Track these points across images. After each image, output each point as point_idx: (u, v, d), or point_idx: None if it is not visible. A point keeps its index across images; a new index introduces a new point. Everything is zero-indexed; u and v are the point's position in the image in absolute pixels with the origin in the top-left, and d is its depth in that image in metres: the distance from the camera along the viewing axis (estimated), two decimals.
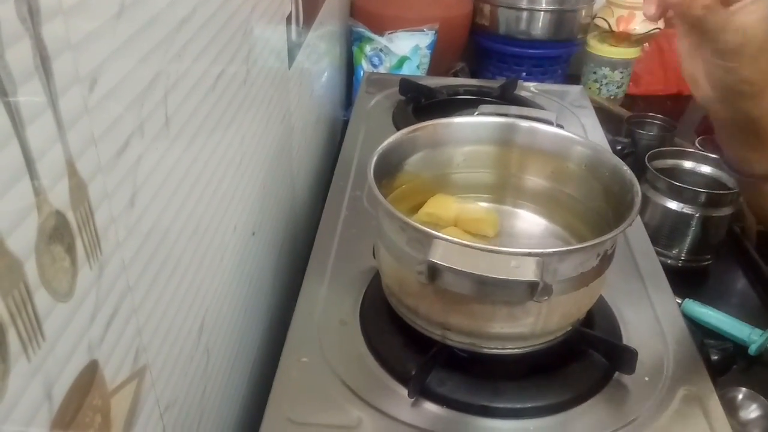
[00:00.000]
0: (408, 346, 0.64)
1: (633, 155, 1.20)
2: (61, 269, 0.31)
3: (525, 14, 1.50)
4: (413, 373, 0.59)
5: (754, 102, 0.62)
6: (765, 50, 0.60)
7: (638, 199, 0.61)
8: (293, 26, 0.89)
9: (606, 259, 0.60)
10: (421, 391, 0.60)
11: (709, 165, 1.06)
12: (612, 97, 1.59)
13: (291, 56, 0.88)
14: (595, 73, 1.59)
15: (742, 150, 0.68)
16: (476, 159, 0.76)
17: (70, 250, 0.32)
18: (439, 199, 0.74)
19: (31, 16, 0.28)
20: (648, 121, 1.32)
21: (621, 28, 1.52)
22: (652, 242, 0.84)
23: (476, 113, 0.78)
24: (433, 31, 1.43)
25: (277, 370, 0.63)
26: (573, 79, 1.62)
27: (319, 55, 1.15)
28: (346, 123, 1.13)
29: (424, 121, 0.74)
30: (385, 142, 0.68)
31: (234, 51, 0.61)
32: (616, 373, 0.63)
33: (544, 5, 1.49)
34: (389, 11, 1.45)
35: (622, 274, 0.77)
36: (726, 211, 0.99)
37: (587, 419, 0.60)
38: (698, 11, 0.59)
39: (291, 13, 0.87)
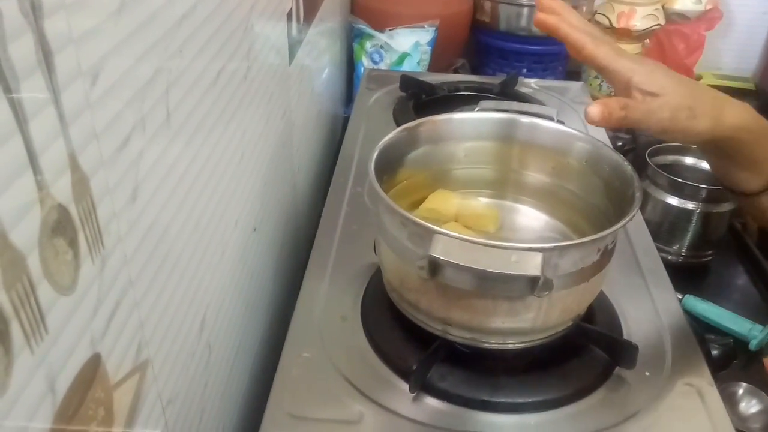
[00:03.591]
0: (409, 341, 0.64)
1: (634, 151, 1.20)
2: (64, 262, 0.31)
3: (526, 10, 1.50)
4: (414, 368, 0.60)
5: (697, 124, 0.64)
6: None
7: (639, 195, 0.61)
8: (293, 23, 0.89)
9: (606, 255, 0.60)
10: (422, 386, 0.60)
11: None
12: (612, 94, 1.59)
13: (291, 53, 0.88)
14: None
15: (734, 172, 0.71)
16: (477, 155, 0.76)
17: (73, 243, 0.32)
18: (440, 195, 0.74)
19: (34, 11, 0.28)
20: None
21: (621, 24, 1.52)
22: (652, 238, 0.84)
23: (477, 109, 0.78)
24: (434, 28, 1.43)
25: (279, 365, 0.63)
26: (574, 75, 1.62)
27: (320, 52, 1.15)
28: (346, 119, 1.12)
29: (424, 117, 0.74)
30: (386, 138, 0.68)
31: (234, 47, 0.61)
32: (617, 368, 0.63)
33: None
34: (390, 8, 1.45)
35: (622, 269, 0.77)
36: (726, 206, 0.99)
37: (588, 414, 0.60)
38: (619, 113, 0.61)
39: (291, 9, 0.87)
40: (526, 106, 0.79)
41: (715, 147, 0.68)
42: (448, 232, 0.54)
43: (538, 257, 0.52)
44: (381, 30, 1.42)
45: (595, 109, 0.60)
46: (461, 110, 0.78)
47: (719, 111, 0.64)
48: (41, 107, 0.29)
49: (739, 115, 0.65)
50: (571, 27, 0.66)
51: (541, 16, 0.67)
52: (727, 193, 0.75)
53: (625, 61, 0.65)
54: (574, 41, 0.65)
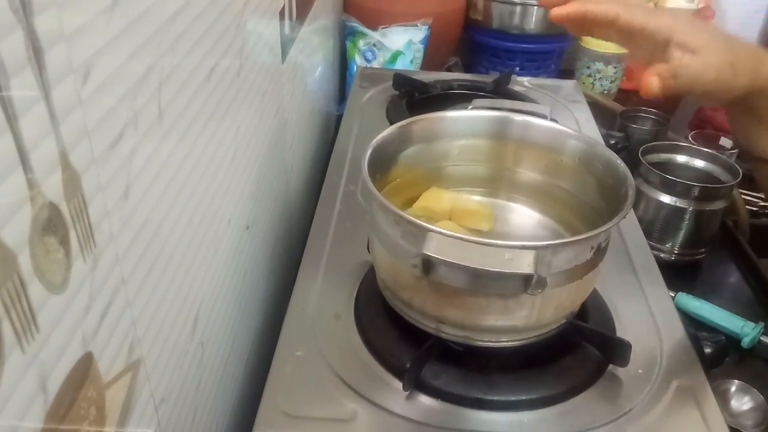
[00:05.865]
0: (402, 339, 0.64)
1: (626, 149, 1.20)
2: (55, 261, 0.31)
3: (518, 9, 1.50)
4: (408, 366, 0.59)
5: (738, 81, 0.61)
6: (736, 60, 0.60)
7: (632, 192, 0.61)
8: (286, 20, 0.88)
9: (600, 253, 0.60)
10: (415, 384, 0.60)
11: (702, 159, 1.06)
12: (605, 92, 1.60)
13: (284, 50, 0.87)
14: (588, 67, 1.59)
15: (759, 135, 0.68)
16: (470, 153, 0.76)
17: (64, 242, 0.32)
18: (434, 193, 0.74)
19: (24, 7, 0.28)
20: (641, 115, 1.33)
21: None
22: (645, 236, 0.84)
23: (470, 107, 0.78)
24: (427, 26, 1.43)
25: (272, 363, 0.63)
26: (566, 73, 1.63)
27: (313, 50, 1.15)
28: (339, 117, 1.12)
29: (418, 115, 0.74)
30: (380, 136, 0.68)
31: (227, 44, 0.61)
32: (610, 366, 0.64)
33: None
34: (382, 6, 1.45)
35: (615, 267, 0.77)
36: (719, 204, 0.99)
37: (581, 412, 0.60)
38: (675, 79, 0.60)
39: (284, 7, 0.86)
40: (519, 104, 0.79)
41: (745, 104, 0.65)
42: (442, 230, 0.54)
43: (531, 255, 0.52)
44: (374, 28, 1.42)
45: (655, 81, 0.59)
46: (454, 108, 0.78)
47: (758, 64, 0.62)
48: (31, 105, 0.29)
49: None
50: (595, 2, 0.63)
51: (556, 10, 0.63)
52: (747, 161, 0.72)
53: (663, 18, 0.62)
54: (604, 14, 0.62)
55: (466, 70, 1.58)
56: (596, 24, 0.64)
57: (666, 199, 1.00)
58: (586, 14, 0.63)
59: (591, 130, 1.08)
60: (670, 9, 0.65)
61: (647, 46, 0.63)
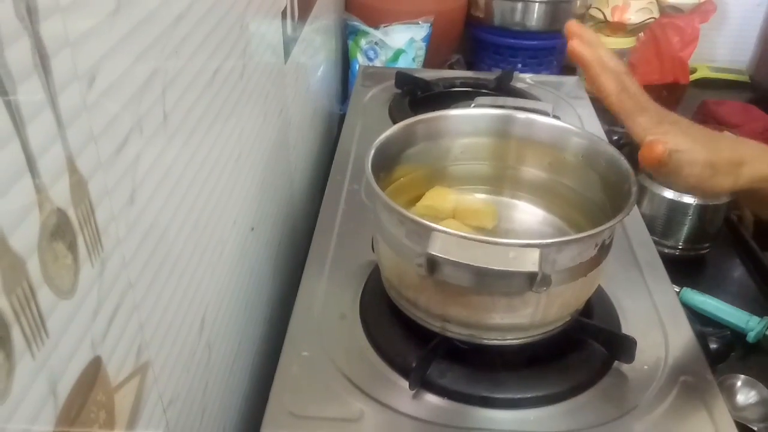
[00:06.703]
0: (408, 338, 0.64)
1: (630, 145, 1.20)
2: (64, 266, 0.31)
3: (520, 5, 1.50)
4: (414, 365, 0.60)
5: (718, 182, 0.61)
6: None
7: (635, 189, 0.61)
8: (288, 21, 0.89)
9: (604, 249, 0.60)
10: (421, 383, 0.60)
11: None
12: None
13: (287, 51, 0.88)
14: None
15: (765, 211, 0.69)
16: (473, 151, 0.76)
17: (72, 247, 0.32)
18: (437, 192, 0.74)
19: (30, 15, 0.28)
20: None
21: (616, 18, 1.52)
22: (649, 231, 0.84)
23: (473, 105, 0.78)
24: (429, 24, 1.43)
25: (278, 364, 0.63)
26: (569, 70, 1.62)
27: (315, 50, 1.15)
28: (342, 117, 1.12)
29: (420, 113, 0.74)
30: (383, 135, 0.68)
31: (230, 46, 0.61)
32: (616, 363, 0.64)
33: None
34: (384, 4, 1.45)
35: (620, 263, 0.77)
36: (723, 199, 0.99)
37: (587, 409, 0.60)
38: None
39: (286, 7, 0.87)
40: (521, 102, 0.79)
41: (740, 193, 0.65)
42: (446, 229, 0.54)
43: (535, 253, 0.52)
44: (375, 27, 1.42)
45: (660, 147, 0.58)
46: (457, 106, 0.78)
47: (736, 166, 0.61)
48: (38, 110, 0.29)
49: (756, 168, 0.62)
50: (603, 68, 0.62)
51: (575, 45, 0.62)
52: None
53: (643, 119, 0.61)
54: (601, 86, 0.62)
55: (469, 68, 1.58)
56: (589, 81, 0.64)
57: (669, 194, 1.00)
58: (590, 69, 0.62)
59: (594, 126, 1.08)
60: (660, 111, 0.63)
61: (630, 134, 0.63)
